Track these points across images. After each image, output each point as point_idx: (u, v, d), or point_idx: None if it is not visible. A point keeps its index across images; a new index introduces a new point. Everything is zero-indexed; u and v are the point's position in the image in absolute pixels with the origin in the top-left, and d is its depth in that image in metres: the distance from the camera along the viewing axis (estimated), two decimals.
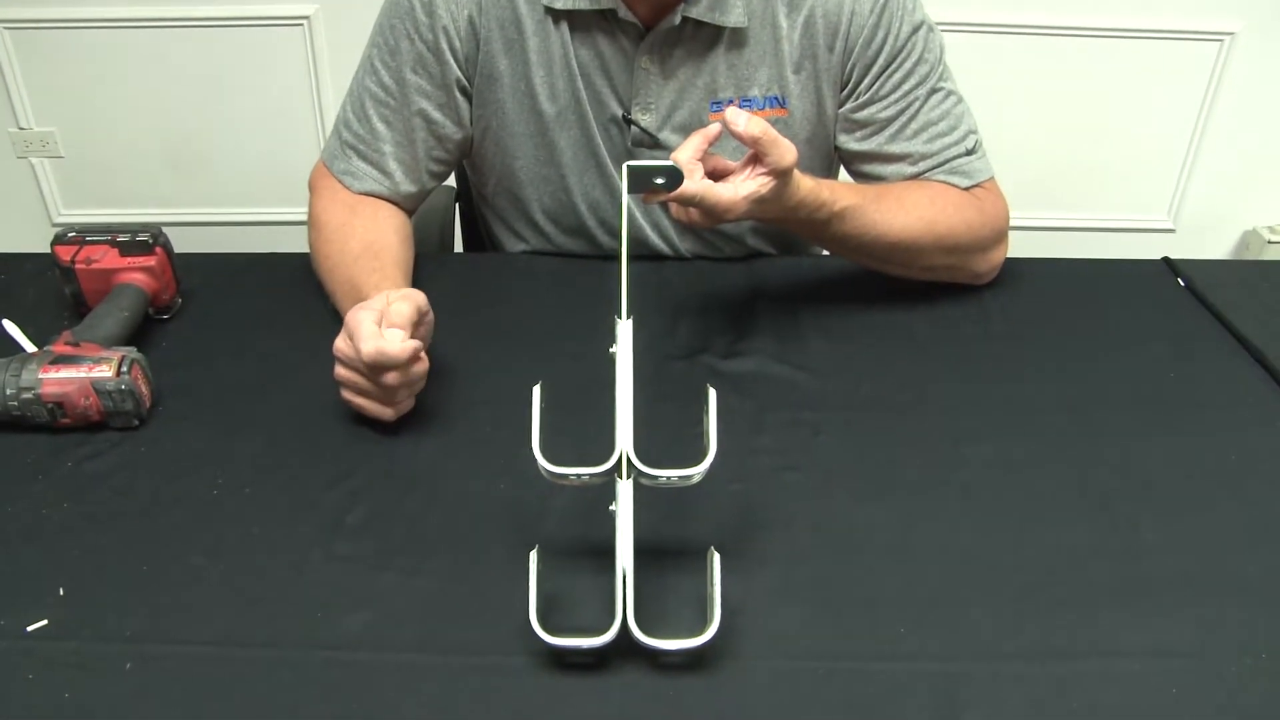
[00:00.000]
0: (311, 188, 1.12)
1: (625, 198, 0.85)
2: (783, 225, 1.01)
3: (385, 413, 0.88)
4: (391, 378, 0.85)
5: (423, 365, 0.87)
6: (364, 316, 0.85)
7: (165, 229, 1.04)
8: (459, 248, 1.49)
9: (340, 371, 0.87)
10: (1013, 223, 1.12)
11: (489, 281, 1.15)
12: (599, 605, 0.72)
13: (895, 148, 1.09)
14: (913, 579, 0.76)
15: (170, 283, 1.05)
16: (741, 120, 0.87)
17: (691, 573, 0.74)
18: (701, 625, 0.68)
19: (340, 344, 0.87)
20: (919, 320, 1.08)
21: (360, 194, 1.10)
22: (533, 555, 0.70)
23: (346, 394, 0.88)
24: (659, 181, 0.87)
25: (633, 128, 1.09)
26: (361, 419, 0.89)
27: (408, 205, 1.14)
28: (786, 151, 0.89)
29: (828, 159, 1.16)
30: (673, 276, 1.15)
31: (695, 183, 0.88)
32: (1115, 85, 2.28)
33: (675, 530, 0.80)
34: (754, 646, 0.71)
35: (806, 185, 0.95)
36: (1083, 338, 1.05)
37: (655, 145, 1.10)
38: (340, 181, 1.10)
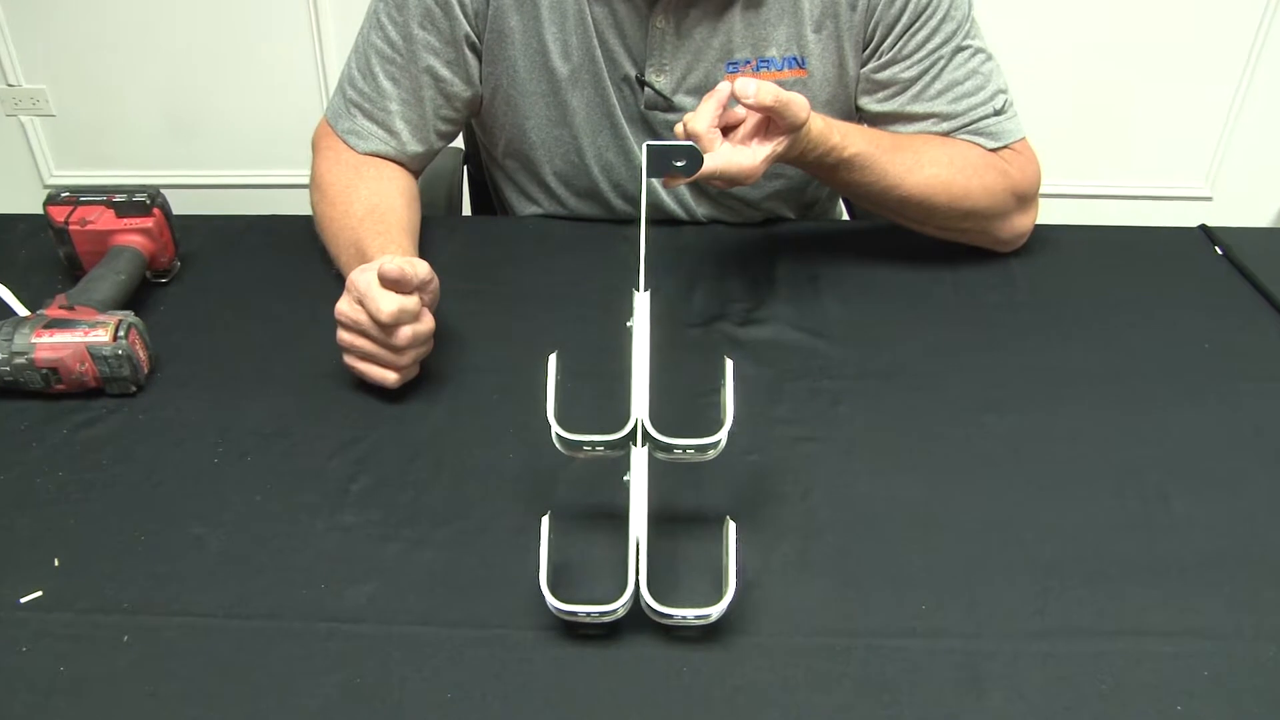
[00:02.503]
0: (314, 147, 1.12)
1: (644, 180, 0.86)
2: (793, 166, 1.01)
3: (389, 377, 0.88)
4: (404, 335, 0.85)
5: (429, 324, 0.88)
6: (371, 278, 0.85)
7: (164, 190, 1.05)
8: (467, 212, 1.49)
9: (343, 336, 0.88)
10: (1041, 190, 1.12)
11: (499, 245, 1.15)
12: (610, 577, 0.73)
13: (918, 108, 1.08)
14: (935, 553, 0.77)
15: (168, 245, 1.05)
16: (751, 90, 0.87)
17: (706, 544, 0.75)
18: (716, 597, 0.69)
19: (343, 307, 0.87)
20: (943, 287, 1.07)
21: (365, 154, 1.10)
22: (544, 521, 0.70)
23: (350, 359, 0.89)
24: (679, 164, 0.89)
25: (646, 90, 1.09)
26: (367, 385, 0.90)
27: (414, 166, 1.14)
28: (800, 110, 0.90)
29: (850, 120, 1.15)
30: (689, 242, 1.15)
31: (714, 158, 0.89)
32: (1151, 42, 2.25)
33: (690, 500, 0.81)
34: (770, 621, 0.71)
35: (816, 127, 0.95)
36: (1114, 307, 1.05)
37: (670, 108, 1.09)
38: (344, 141, 1.10)
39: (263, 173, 2.39)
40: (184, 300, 1.05)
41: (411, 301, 0.85)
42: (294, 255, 1.10)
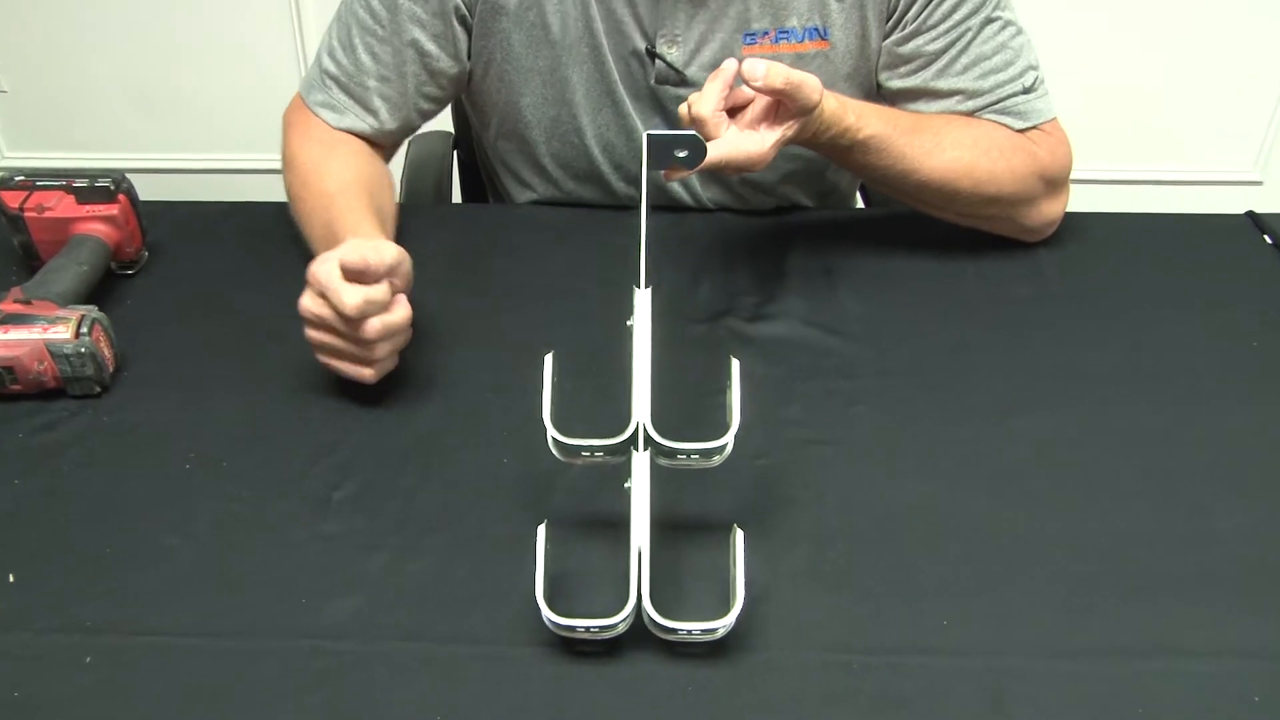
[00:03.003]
0: (285, 123, 1.13)
1: (645, 173, 0.86)
2: (804, 148, 1.02)
3: (364, 373, 0.88)
4: (374, 328, 0.85)
5: (403, 313, 0.87)
6: (330, 269, 0.85)
7: (129, 175, 1.05)
8: (457, 200, 1.50)
9: (311, 333, 0.88)
10: (1073, 175, 1.12)
11: (490, 235, 1.16)
12: (611, 589, 0.74)
13: (943, 84, 1.09)
14: (957, 565, 0.78)
15: (135, 234, 1.06)
16: (760, 72, 0.88)
17: (712, 554, 0.76)
18: (723, 611, 0.70)
19: (306, 303, 0.86)
20: (966, 280, 1.08)
21: (339, 130, 1.11)
22: (540, 529, 0.71)
23: (322, 357, 0.89)
24: (681, 155, 0.89)
25: (657, 62, 1.09)
26: (349, 385, 0.90)
27: (390, 144, 1.15)
28: (812, 91, 0.91)
29: (870, 97, 1.15)
30: (694, 230, 1.16)
31: (719, 146, 0.90)
32: (1196, 13, 2.25)
33: (695, 507, 0.82)
34: (780, 636, 0.72)
35: (829, 108, 0.96)
36: (1152, 300, 1.05)
37: (682, 83, 1.10)
38: (318, 115, 1.11)
39: (238, 156, 2.38)
40: (152, 294, 1.05)
41: (379, 291, 0.84)
42: (271, 245, 1.10)
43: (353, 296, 0.83)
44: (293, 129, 1.12)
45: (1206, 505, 0.83)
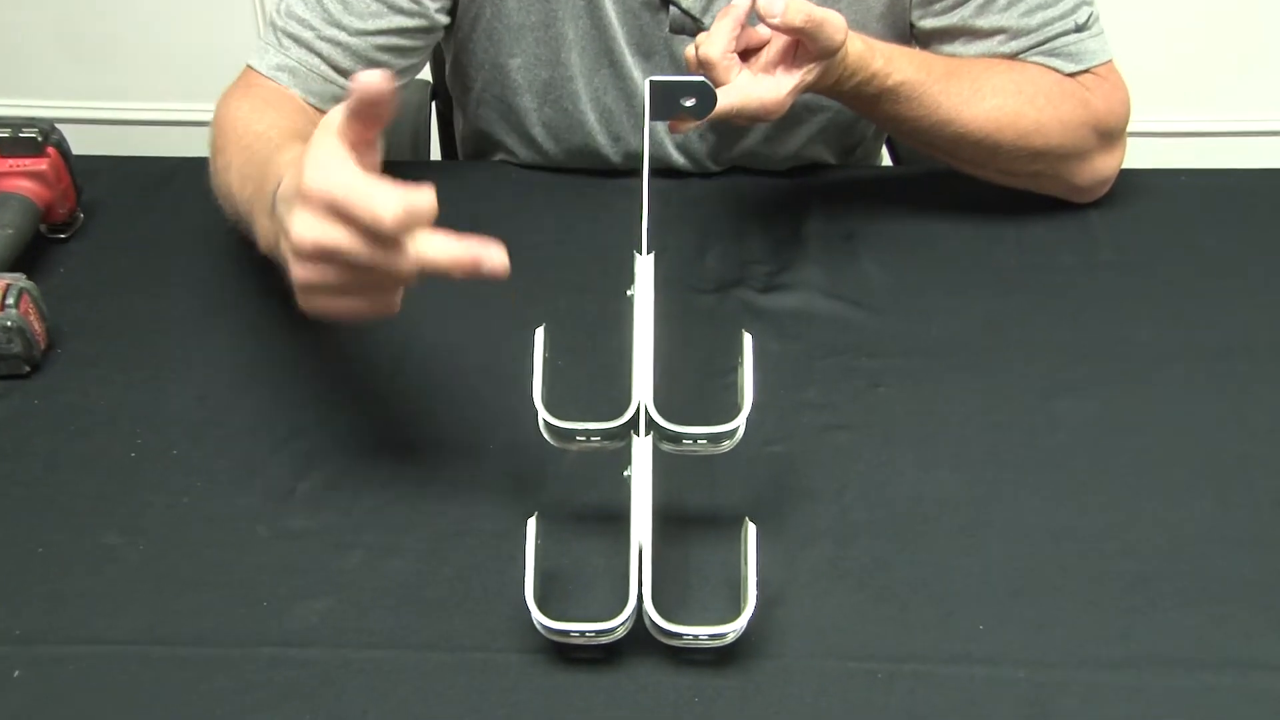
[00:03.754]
0: (223, 97, 1.06)
1: (648, 120, 0.86)
2: (824, 96, 1.02)
3: (394, 305, 0.71)
4: (407, 226, 0.66)
5: (426, 193, 0.68)
6: (344, 171, 0.66)
7: (60, 126, 1.05)
8: (436, 156, 1.50)
9: (309, 275, 0.68)
10: (1130, 126, 1.12)
11: (475, 196, 1.15)
12: (609, 589, 0.75)
13: (983, 22, 1.08)
14: (994, 564, 0.78)
15: (68, 192, 1.06)
16: (777, 8, 0.87)
17: (721, 550, 0.77)
18: (733, 613, 0.70)
19: (306, 231, 0.66)
20: (1006, 246, 1.08)
21: (296, 95, 1.06)
22: (531, 524, 0.72)
23: (319, 302, 0.70)
24: (688, 104, 0.89)
25: (672, 9, 1.09)
26: (317, 363, 0.91)
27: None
28: (836, 31, 0.90)
29: (905, 39, 1.16)
30: (701, 192, 1.16)
31: (730, 93, 0.90)
32: None
33: (702, 499, 0.82)
34: (797, 642, 0.73)
35: (854, 50, 0.95)
36: (1219, 269, 1.06)
37: (700, 31, 1.09)
38: (273, 80, 1.06)
39: (187, 106, 2.28)
40: (89, 260, 1.05)
41: (418, 193, 0.67)
42: None
43: (392, 203, 0.64)
44: (227, 97, 1.06)
45: (1276, 498, 0.83)
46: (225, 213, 0.95)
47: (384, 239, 0.65)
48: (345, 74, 1.06)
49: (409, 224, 0.66)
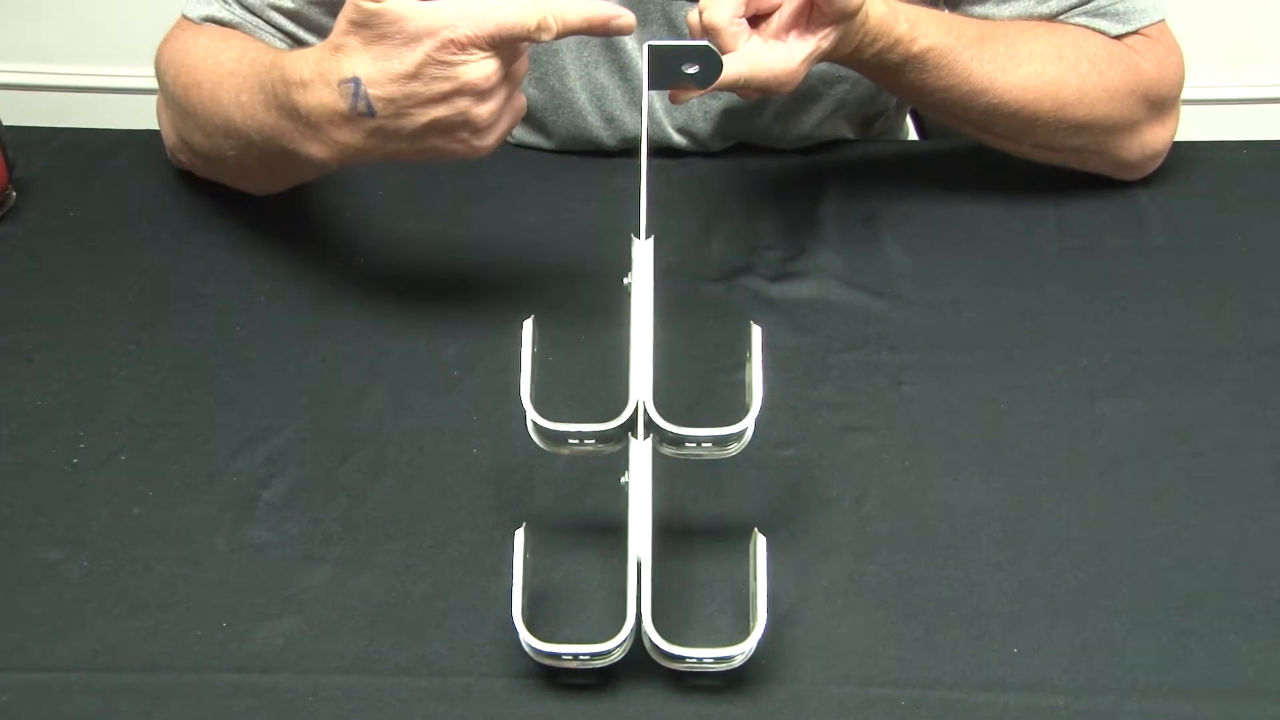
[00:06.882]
0: (157, 59, 1.08)
1: (646, 90, 0.86)
2: (842, 65, 1.02)
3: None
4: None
5: None
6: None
7: None
8: None
9: (481, 110, 0.84)
10: (1184, 93, 1.12)
11: (458, 175, 1.13)
12: (604, 608, 0.76)
13: None
14: (1031, 581, 0.79)
15: None
16: None
17: (728, 565, 0.78)
18: (741, 634, 0.72)
19: (479, 71, 0.82)
20: (1045, 229, 1.08)
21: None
22: (518, 536, 0.72)
23: (505, 127, 0.88)
24: (690, 71, 0.88)
25: None
26: (280, 358, 0.91)
27: None
28: None
29: (934, 4, 1.16)
30: (706, 171, 1.16)
31: (738, 61, 0.89)
32: None
33: (707, 508, 0.83)
34: (811, 666, 0.74)
35: (875, 13, 0.95)
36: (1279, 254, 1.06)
37: None
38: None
39: (133, 71, 2.24)
40: (23, 244, 1.06)
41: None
42: (178, 182, 1.09)
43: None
44: (166, 42, 1.07)
45: None
46: (207, 157, 1.00)
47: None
48: (290, 37, 1.08)
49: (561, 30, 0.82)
